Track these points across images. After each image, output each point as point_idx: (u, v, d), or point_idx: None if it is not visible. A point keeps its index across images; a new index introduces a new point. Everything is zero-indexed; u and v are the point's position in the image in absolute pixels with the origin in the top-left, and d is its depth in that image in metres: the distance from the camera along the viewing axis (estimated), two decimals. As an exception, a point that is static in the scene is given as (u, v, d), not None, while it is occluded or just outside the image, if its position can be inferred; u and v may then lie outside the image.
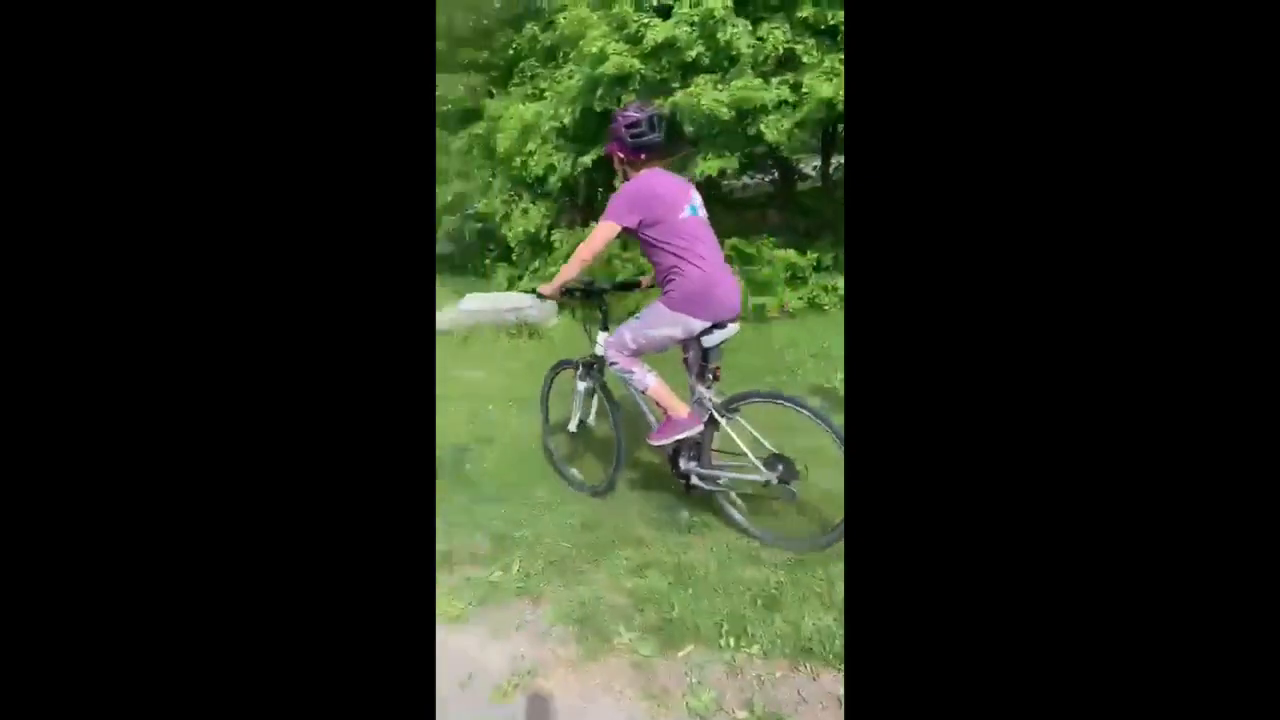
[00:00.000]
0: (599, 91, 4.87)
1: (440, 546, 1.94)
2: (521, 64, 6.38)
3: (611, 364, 2.04)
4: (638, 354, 2.02)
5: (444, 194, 6.65)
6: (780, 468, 1.88)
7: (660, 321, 1.92)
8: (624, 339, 2.00)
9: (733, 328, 1.94)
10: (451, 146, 6.68)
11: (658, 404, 2.01)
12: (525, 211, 5.96)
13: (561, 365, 2.46)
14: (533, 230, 5.73)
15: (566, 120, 5.28)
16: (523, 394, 3.49)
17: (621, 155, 1.97)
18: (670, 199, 1.87)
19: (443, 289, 6.12)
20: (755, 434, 1.94)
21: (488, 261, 6.64)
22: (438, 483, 2.34)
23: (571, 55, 5.33)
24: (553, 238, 5.72)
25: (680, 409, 1.97)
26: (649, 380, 1.99)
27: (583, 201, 6.20)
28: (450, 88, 6.49)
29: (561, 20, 5.16)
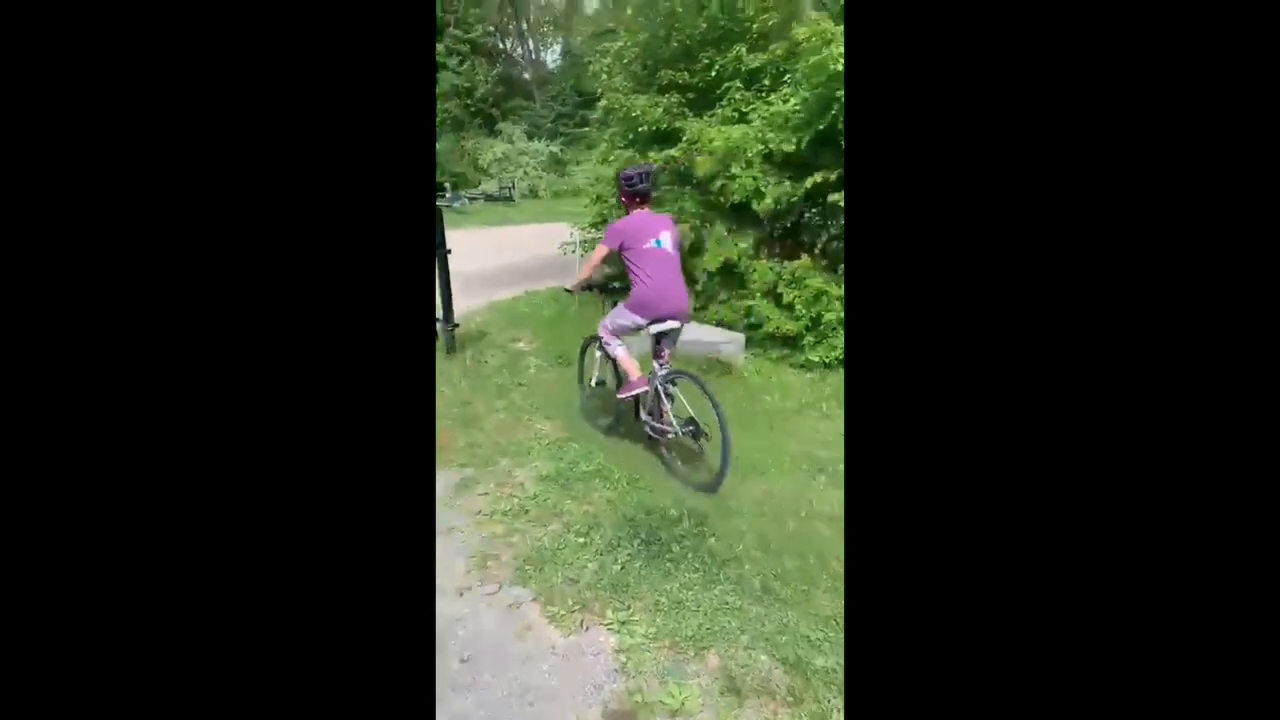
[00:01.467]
0: (834, 110, 4.36)
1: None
2: (726, 85, 6.06)
3: (599, 338, 3.06)
4: (615, 333, 2.99)
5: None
6: (691, 429, 2.79)
7: (620, 315, 2.91)
8: (605, 323, 3.02)
9: (674, 324, 2.81)
10: (642, 168, 6.48)
11: (620, 364, 2.99)
12: (719, 239, 5.58)
13: (588, 340, 3.58)
14: (732, 259, 5.30)
15: (779, 144, 4.85)
16: (752, 459, 3.01)
17: (623, 200, 2.88)
18: (641, 233, 2.73)
19: None
20: (685, 403, 2.81)
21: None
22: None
23: (800, 70, 4.88)
24: (752, 268, 5.26)
25: (635, 373, 2.93)
26: (618, 351, 2.99)
27: (782, 233, 5.68)
28: (648, 110, 6.32)
29: (799, 33, 4.74)
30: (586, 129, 26.17)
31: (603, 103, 7.08)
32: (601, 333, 3.06)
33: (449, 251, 4.69)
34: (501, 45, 28.06)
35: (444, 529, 2.57)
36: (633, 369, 2.94)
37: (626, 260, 2.79)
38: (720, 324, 5.43)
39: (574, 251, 7.48)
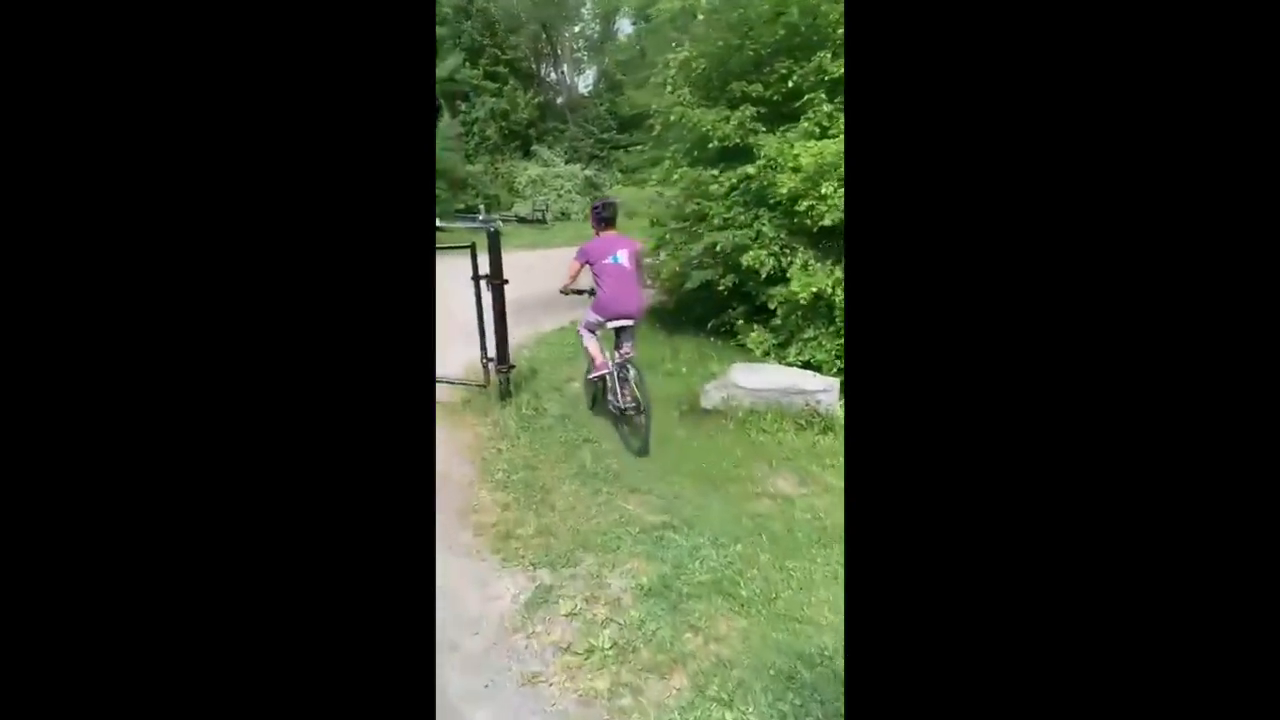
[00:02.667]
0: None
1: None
2: (807, 96, 5.40)
3: (579, 331, 3.89)
4: (588, 328, 3.78)
5: (692, 241, 5.81)
6: (633, 405, 3.53)
7: (589, 315, 3.72)
8: (584, 320, 3.83)
9: (627, 321, 3.58)
10: (710, 189, 5.84)
11: (589, 353, 3.81)
12: (805, 266, 4.87)
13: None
14: (824, 289, 4.57)
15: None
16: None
17: (593, 225, 3.73)
18: (602, 252, 3.54)
19: (702, 358, 5.22)
20: (634, 386, 3.50)
21: (739, 322, 5.62)
22: None
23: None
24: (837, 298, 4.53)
25: (599, 359, 3.74)
26: (589, 342, 3.81)
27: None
28: (718, 124, 5.69)
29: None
30: (620, 151, 26.19)
31: (662, 117, 6.50)
32: (580, 328, 3.88)
33: (505, 282, 4.04)
34: (537, 69, 28.14)
35: (523, 676, 1.85)
36: (598, 356, 3.73)
37: (593, 272, 3.56)
38: (807, 365, 4.70)
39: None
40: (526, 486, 3.08)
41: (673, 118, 6.05)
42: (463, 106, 22.88)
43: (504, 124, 24.18)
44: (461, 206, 22.07)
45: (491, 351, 4.19)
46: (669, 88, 6.27)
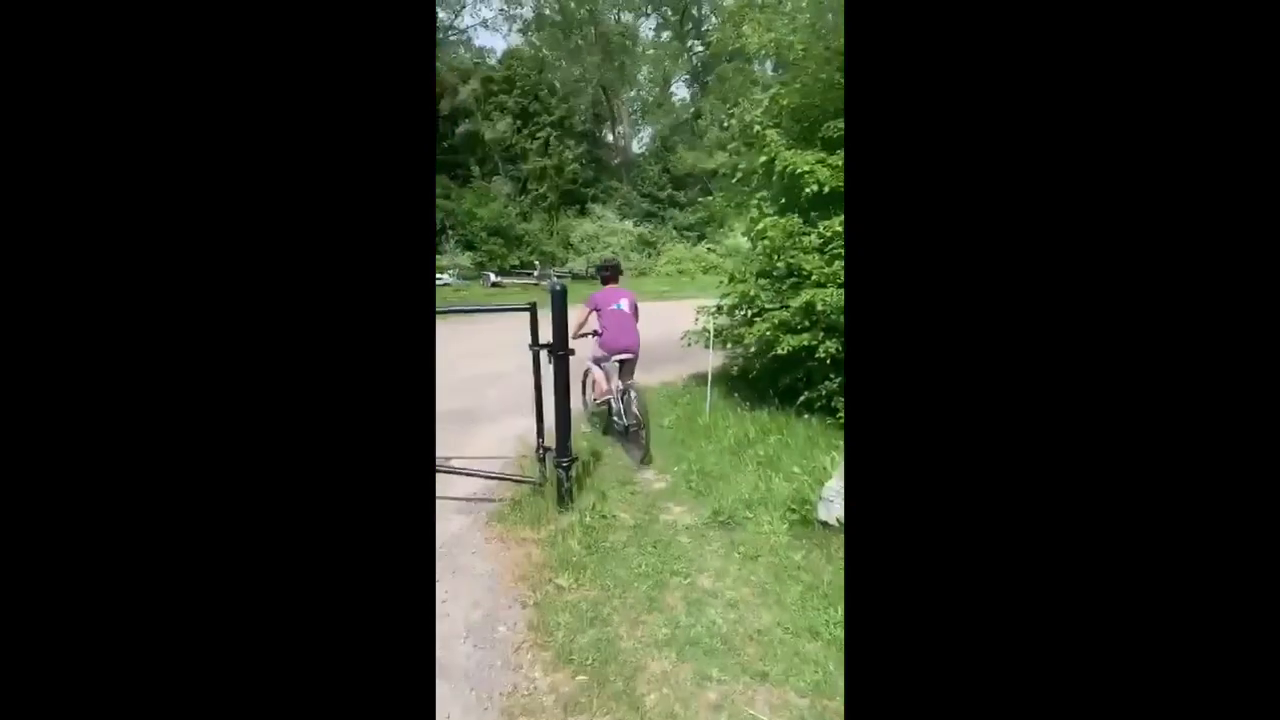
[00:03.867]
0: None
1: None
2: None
3: (587, 365, 4.66)
4: (595, 361, 4.61)
5: (781, 300, 4.94)
6: (634, 424, 4.22)
7: (596, 351, 4.56)
8: (590, 355, 4.61)
9: (628, 355, 4.40)
10: (806, 240, 4.99)
11: (596, 382, 4.64)
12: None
13: (585, 371, 4.89)
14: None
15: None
16: None
17: (600, 278, 4.72)
18: (606, 301, 4.43)
19: (808, 443, 4.25)
20: (635, 407, 4.16)
21: (842, 397, 4.61)
22: None
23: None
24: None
25: (604, 386, 4.54)
26: (596, 373, 4.65)
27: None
28: (816, 167, 4.89)
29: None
30: (674, 209, 26.14)
31: (748, 161, 5.77)
32: (588, 361, 4.66)
33: (570, 353, 3.23)
34: (594, 131, 28.74)
35: None
36: (602, 383, 4.57)
37: (598, 317, 4.43)
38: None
39: (698, 342, 5.96)
40: (598, 651, 2.13)
41: (761, 159, 5.29)
42: (511, 168, 23.36)
43: (558, 181, 24.44)
44: (517, 262, 22.10)
45: (550, 436, 3.33)
46: (758, 127, 5.54)
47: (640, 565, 2.71)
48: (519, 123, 24.07)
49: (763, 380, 5.61)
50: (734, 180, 6.09)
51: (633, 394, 4.18)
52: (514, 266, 21.71)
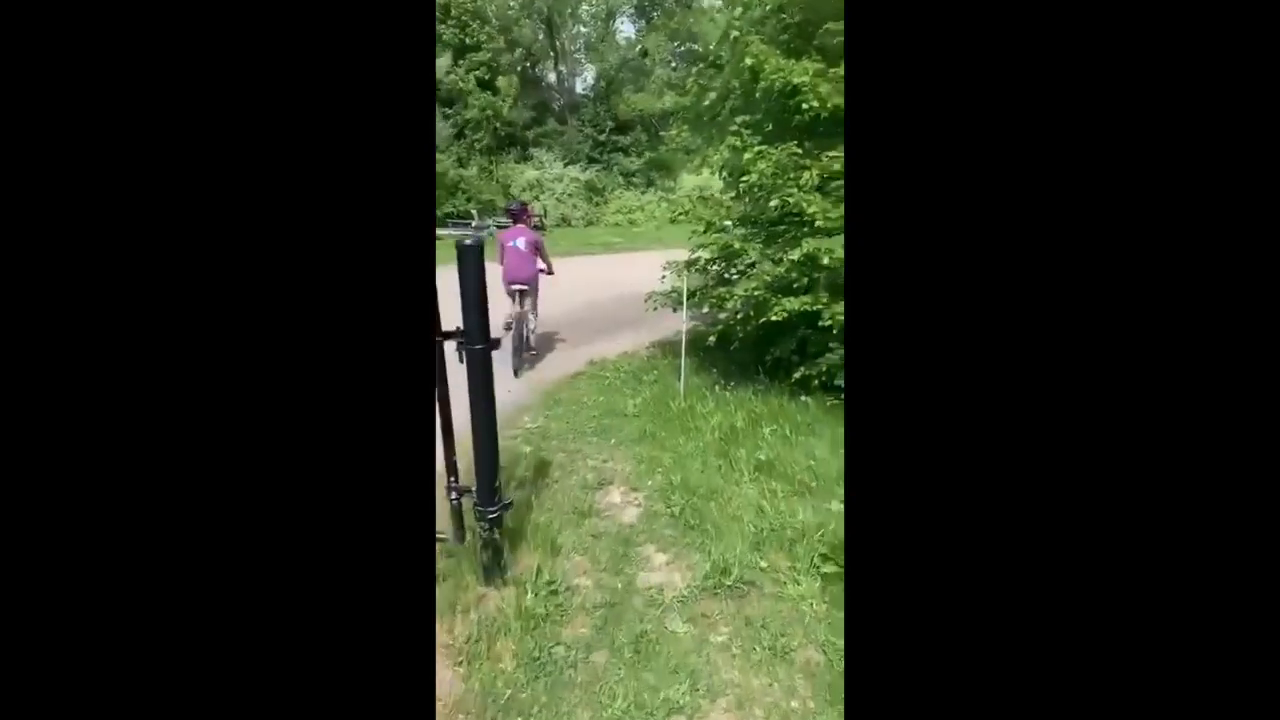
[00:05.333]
0: None
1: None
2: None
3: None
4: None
5: (774, 251, 3.90)
6: (528, 347, 5.33)
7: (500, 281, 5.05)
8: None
9: (522, 286, 5.05)
10: (804, 176, 3.92)
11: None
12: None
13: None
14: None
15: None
16: None
17: (508, 217, 5.58)
18: (509, 238, 5.12)
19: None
20: (529, 331, 5.27)
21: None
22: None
23: None
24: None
25: (506, 311, 5.03)
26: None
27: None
28: (817, 82, 3.80)
29: None
30: (619, 154, 24.50)
31: (722, 79, 4.60)
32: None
33: (495, 344, 2.06)
34: (535, 72, 26.40)
35: None
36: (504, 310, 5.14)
37: (500, 252, 5.12)
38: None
39: (666, 305, 4.90)
40: None
41: (744, 66, 4.09)
42: (449, 110, 21.10)
43: (498, 126, 22.34)
44: (452, 210, 20.21)
45: (468, 473, 2.13)
46: (736, 33, 4.36)
47: (617, 699, 1.69)
48: (456, 59, 21.68)
49: (745, 351, 4.63)
50: (704, 104, 4.89)
51: (530, 321, 5.28)
52: (449, 216, 19.87)
